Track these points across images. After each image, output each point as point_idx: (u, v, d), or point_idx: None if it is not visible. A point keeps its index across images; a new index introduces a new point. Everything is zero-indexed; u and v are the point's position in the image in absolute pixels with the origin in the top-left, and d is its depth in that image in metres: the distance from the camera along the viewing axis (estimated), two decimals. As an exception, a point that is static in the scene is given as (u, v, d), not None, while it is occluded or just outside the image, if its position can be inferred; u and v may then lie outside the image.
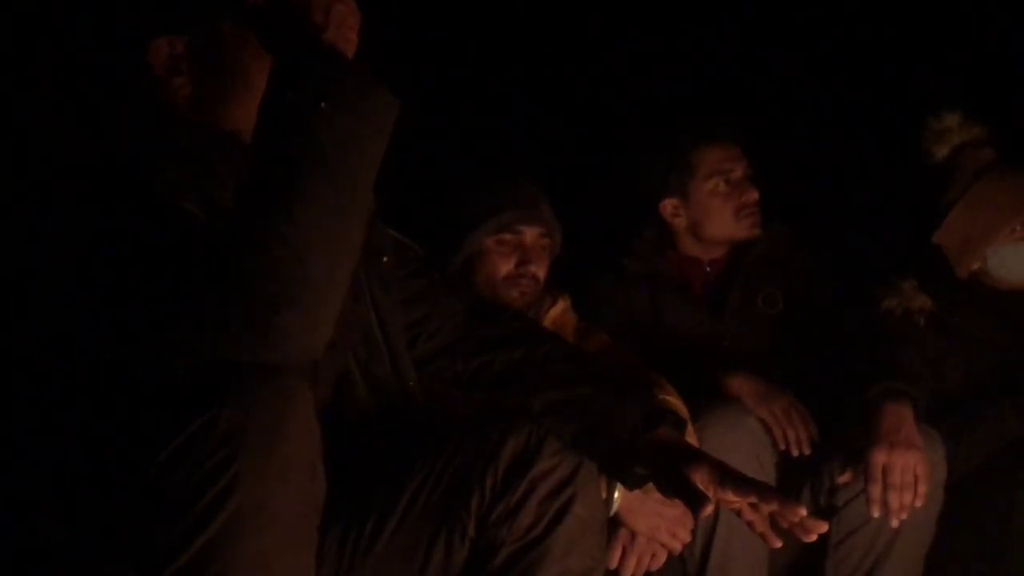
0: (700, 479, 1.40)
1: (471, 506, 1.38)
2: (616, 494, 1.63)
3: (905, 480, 1.86)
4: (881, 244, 2.54)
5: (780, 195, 2.48)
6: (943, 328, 2.21)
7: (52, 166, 1.26)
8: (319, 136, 1.09)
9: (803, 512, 1.36)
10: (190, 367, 1.07)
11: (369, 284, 1.50)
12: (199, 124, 1.33)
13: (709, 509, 1.38)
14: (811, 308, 2.33)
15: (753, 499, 1.39)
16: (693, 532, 1.87)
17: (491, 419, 1.44)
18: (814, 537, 1.39)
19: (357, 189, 1.13)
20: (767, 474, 1.98)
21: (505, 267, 2.06)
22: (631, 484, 1.50)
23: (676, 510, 1.77)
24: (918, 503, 1.87)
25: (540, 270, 2.09)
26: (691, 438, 1.77)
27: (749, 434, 2.00)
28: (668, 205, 2.42)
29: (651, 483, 1.49)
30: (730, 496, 1.40)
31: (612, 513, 1.67)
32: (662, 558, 1.82)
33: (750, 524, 1.45)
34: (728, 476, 1.40)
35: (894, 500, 1.86)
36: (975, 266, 2.24)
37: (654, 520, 1.76)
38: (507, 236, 2.06)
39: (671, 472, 1.43)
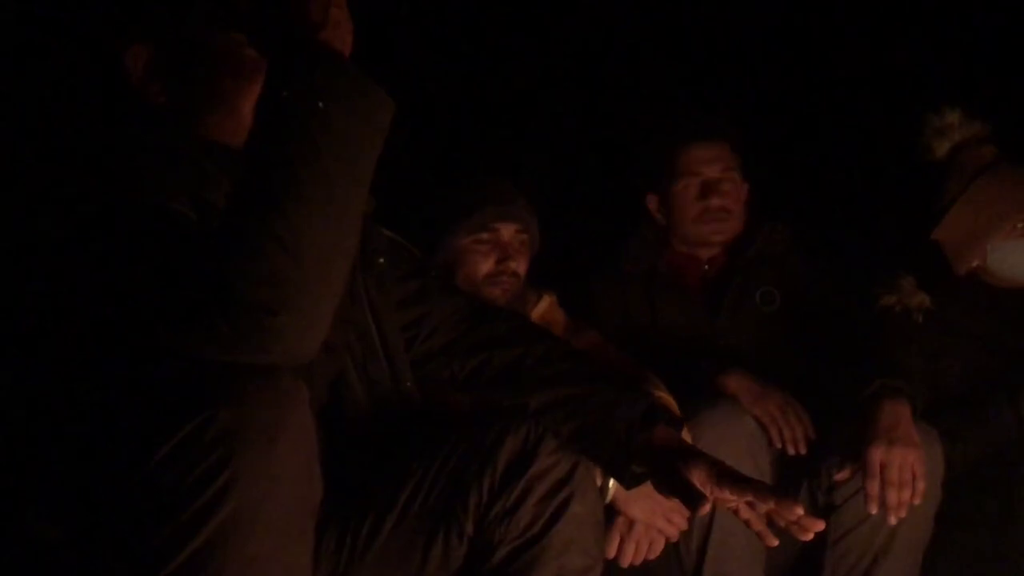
0: (697, 478, 1.40)
1: (469, 505, 1.38)
2: (611, 482, 1.63)
3: (903, 477, 1.86)
4: (879, 241, 2.54)
5: (778, 192, 2.49)
6: (941, 325, 2.21)
7: (41, 168, 1.26)
8: (316, 135, 1.09)
9: (800, 511, 1.36)
10: (184, 368, 1.06)
11: (365, 285, 1.50)
12: (184, 129, 1.33)
13: (706, 508, 1.38)
14: (809, 306, 2.32)
15: (750, 498, 1.39)
16: (689, 529, 1.87)
17: (488, 419, 1.45)
18: (811, 536, 1.39)
19: (353, 189, 1.13)
20: (763, 472, 1.98)
21: (485, 266, 2.06)
22: (628, 483, 1.50)
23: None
24: (916, 501, 1.87)
25: (520, 266, 2.09)
26: (685, 436, 1.77)
27: (745, 432, 1.99)
28: (652, 200, 2.45)
29: (648, 481, 1.49)
30: (727, 495, 1.40)
31: (608, 501, 1.68)
32: (659, 546, 1.81)
33: (747, 522, 1.45)
34: (725, 475, 1.40)
35: (892, 497, 1.86)
36: (975, 263, 2.23)
37: (650, 506, 1.74)
38: (484, 235, 2.06)
39: (668, 471, 1.43)
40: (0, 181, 1.23)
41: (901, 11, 2.86)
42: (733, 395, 2.07)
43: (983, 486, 2.02)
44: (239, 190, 1.12)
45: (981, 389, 2.12)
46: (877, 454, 1.87)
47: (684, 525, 1.81)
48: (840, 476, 1.97)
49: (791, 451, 2.04)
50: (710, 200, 2.34)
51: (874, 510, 1.88)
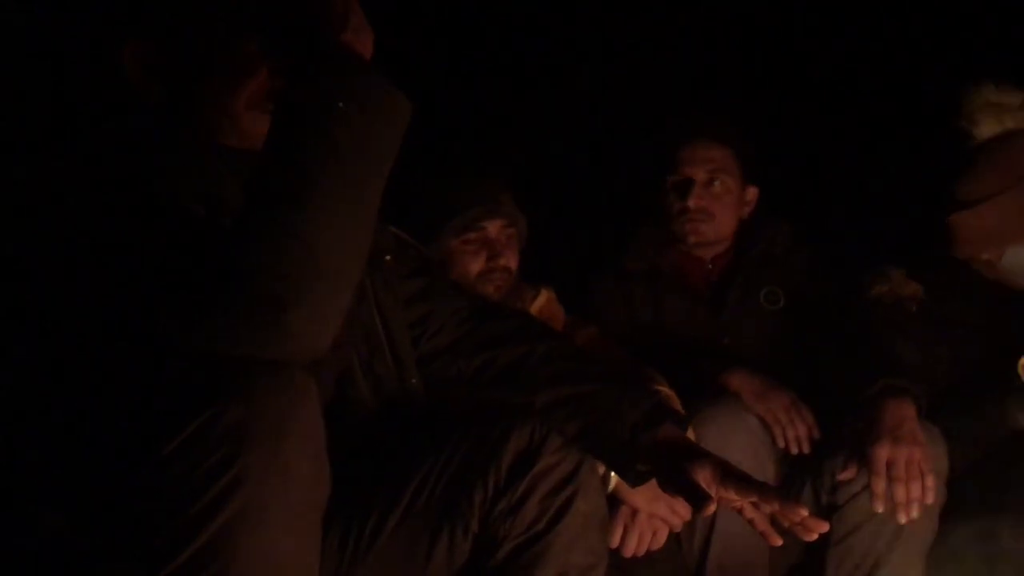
0: (702, 477, 1.41)
1: (474, 501, 1.39)
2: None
3: (910, 473, 1.85)
4: (873, 231, 2.53)
5: (781, 189, 2.48)
6: (933, 315, 2.17)
7: (49, 166, 1.26)
8: (336, 134, 1.10)
9: (804, 512, 1.37)
10: (195, 363, 1.07)
11: (372, 282, 1.51)
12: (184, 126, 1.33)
13: (711, 508, 1.38)
14: (813, 305, 2.32)
15: (754, 498, 1.40)
16: (693, 526, 1.87)
17: (493, 416, 1.45)
18: (815, 536, 1.40)
19: (370, 188, 1.14)
20: (766, 471, 1.98)
21: (476, 265, 2.07)
22: (633, 481, 1.50)
23: None
24: (929, 500, 1.86)
25: (511, 261, 2.11)
26: (690, 434, 1.77)
27: (748, 431, 2.00)
28: (650, 197, 2.45)
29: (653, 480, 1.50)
30: (731, 495, 1.40)
31: (610, 490, 1.68)
32: (663, 536, 1.81)
33: (751, 522, 1.45)
34: (730, 475, 1.41)
35: (900, 493, 1.85)
36: (984, 256, 2.18)
37: (653, 495, 1.75)
38: (471, 235, 2.08)
39: (673, 470, 1.44)
40: (9, 181, 1.24)
41: (899, 7, 2.86)
42: (737, 393, 2.07)
43: (980, 485, 1.99)
44: (257, 186, 1.12)
45: (970, 380, 2.09)
46: (883, 452, 1.86)
47: (688, 515, 1.81)
48: (844, 475, 1.97)
49: (794, 450, 2.05)
50: (687, 200, 2.34)
51: (880, 508, 1.87)
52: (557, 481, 1.39)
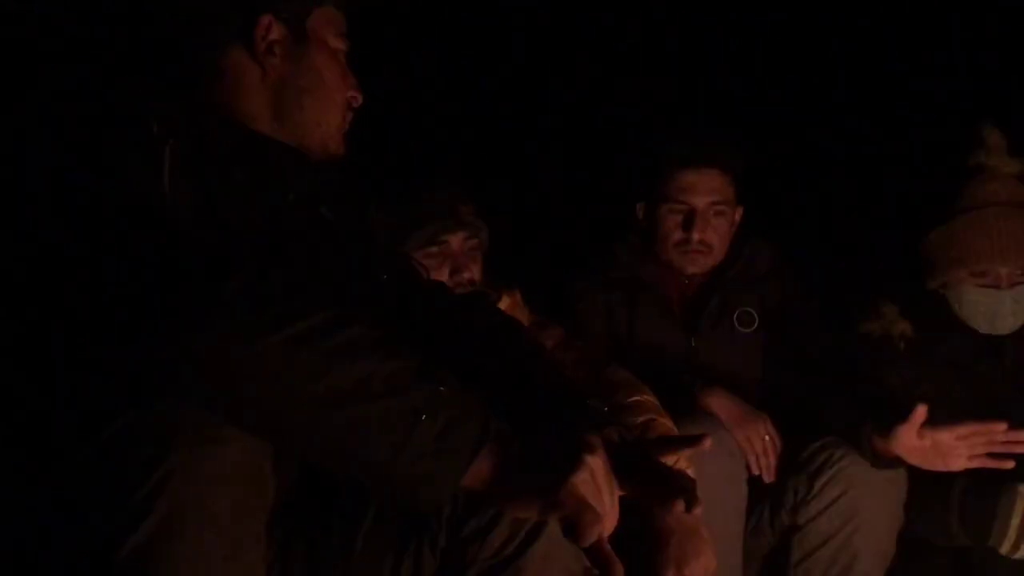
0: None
1: (442, 515, 1.36)
2: None
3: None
4: (864, 263, 2.54)
5: (765, 209, 2.49)
6: (921, 354, 2.19)
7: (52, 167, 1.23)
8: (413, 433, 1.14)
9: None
10: (153, 358, 1.06)
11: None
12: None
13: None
14: (785, 329, 2.33)
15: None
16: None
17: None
18: None
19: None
20: (740, 494, 2.01)
21: (440, 278, 2.05)
22: None
23: None
24: None
25: (474, 272, 2.10)
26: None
27: (730, 455, 2.02)
28: (640, 210, 2.45)
29: None
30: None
31: None
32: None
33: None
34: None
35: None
36: (936, 284, 2.20)
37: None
38: (433, 249, 2.07)
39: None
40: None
41: (895, 22, 2.87)
42: (714, 415, 2.08)
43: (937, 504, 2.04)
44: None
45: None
46: None
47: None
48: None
49: (767, 479, 2.08)
50: (692, 233, 2.33)
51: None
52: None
